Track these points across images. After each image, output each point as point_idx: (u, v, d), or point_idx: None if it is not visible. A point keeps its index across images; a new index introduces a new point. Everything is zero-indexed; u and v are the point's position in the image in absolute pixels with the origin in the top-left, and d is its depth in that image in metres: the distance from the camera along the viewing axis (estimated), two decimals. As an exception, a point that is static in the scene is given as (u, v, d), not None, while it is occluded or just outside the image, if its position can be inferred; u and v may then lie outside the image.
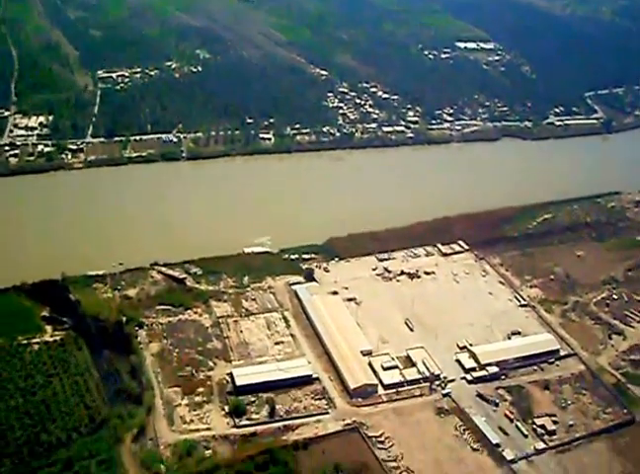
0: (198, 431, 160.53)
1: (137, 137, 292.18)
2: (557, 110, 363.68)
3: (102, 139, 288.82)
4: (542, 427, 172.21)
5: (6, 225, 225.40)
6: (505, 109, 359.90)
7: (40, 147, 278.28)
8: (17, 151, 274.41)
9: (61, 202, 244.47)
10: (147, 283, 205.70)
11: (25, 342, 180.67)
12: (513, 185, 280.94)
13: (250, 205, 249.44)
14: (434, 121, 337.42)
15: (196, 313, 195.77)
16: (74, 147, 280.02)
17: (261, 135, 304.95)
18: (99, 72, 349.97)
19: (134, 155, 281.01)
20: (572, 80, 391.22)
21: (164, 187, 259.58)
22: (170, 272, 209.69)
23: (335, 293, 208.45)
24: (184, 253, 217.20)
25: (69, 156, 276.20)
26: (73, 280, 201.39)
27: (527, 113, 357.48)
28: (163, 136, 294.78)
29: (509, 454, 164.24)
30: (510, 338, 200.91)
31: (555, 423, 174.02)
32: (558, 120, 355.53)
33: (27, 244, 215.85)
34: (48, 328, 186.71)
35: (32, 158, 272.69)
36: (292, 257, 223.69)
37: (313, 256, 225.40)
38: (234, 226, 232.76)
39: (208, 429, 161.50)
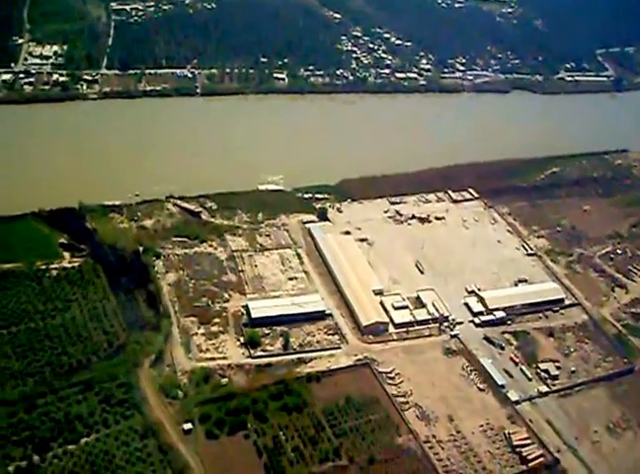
0: (214, 359, 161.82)
1: (152, 71, 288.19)
2: (568, 65, 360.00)
3: (116, 71, 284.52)
4: (546, 371, 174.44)
5: (21, 153, 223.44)
6: (516, 61, 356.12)
7: (54, 76, 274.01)
8: (31, 79, 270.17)
9: (77, 132, 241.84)
10: (163, 215, 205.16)
11: (43, 267, 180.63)
12: (522, 137, 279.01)
13: (263, 144, 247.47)
14: (446, 70, 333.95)
15: (211, 246, 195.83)
16: (89, 78, 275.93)
17: (274, 75, 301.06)
18: (112, 4, 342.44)
19: (149, 89, 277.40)
20: (584, 36, 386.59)
21: (178, 121, 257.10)
22: (185, 205, 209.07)
23: (347, 233, 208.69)
24: (199, 187, 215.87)
25: (84, 87, 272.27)
26: (90, 209, 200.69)
27: (538, 67, 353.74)
28: (177, 71, 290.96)
29: (513, 395, 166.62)
30: (516, 285, 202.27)
31: (558, 368, 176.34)
32: (569, 76, 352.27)
33: (43, 172, 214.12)
34: (66, 255, 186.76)
35: (46, 87, 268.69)
36: (305, 196, 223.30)
37: (326, 196, 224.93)
38: (248, 163, 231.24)
39: (224, 358, 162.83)
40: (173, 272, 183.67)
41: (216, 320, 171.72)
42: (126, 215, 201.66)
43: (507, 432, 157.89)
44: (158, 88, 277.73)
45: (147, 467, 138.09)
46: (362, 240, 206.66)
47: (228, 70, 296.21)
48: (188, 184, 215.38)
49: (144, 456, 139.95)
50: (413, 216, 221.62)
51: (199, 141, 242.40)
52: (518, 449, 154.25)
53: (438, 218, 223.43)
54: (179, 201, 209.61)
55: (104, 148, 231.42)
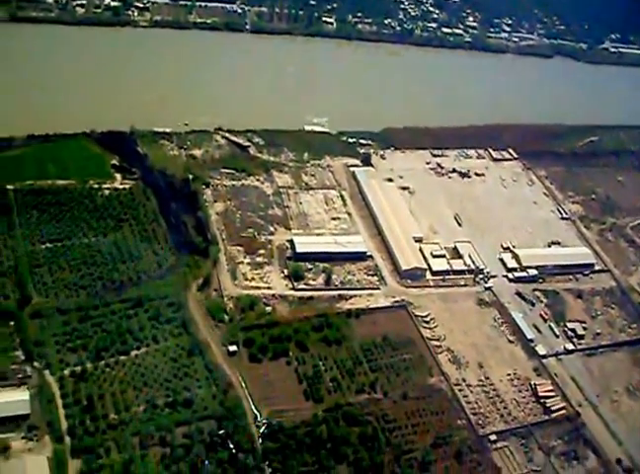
0: (259, 288, 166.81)
1: (202, 3, 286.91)
2: (613, 36, 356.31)
3: (167, 1, 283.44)
4: (573, 330, 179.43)
5: (73, 73, 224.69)
6: (562, 27, 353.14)
7: (106, 0, 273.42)
8: (84, 2, 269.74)
9: (128, 58, 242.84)
10: (211, 146, 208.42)
11: (96, 186, 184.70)
12: (562, 103, 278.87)
13: (309, 86, 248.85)
14: (492, 29, 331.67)
15: (258, 180, 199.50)
16: (140, 5, 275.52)
17: (323, 19, 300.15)
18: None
19: (199, 21, 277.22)
20: (632, 8, 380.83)
21: (227, 56, 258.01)
22: (233, 138, 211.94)
23: (390, 180, 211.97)
24: (246, 122, 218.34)
25: (135, 13, 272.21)
26: (141, 134, 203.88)
27: (583, 34, 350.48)
28: (227, 6, 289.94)
29: (541, 350, 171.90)
30: (549, 246, 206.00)
31: (584, 329, 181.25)
32: (613, 47, 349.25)
33: (95, 94, 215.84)
34: (118, 176, 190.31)
35: (98, 10, 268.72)
36: (350, 140, 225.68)
37: (369, 142, 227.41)
38: (294, 103, 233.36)
39: (269, 288, 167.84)
40: (221, 201, 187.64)
41: (261, 251, 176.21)
42: (176, 143, 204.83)
43: (532, 382, 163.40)
44: (208, 21, 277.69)
45: (194, 383, 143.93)
46: (404, 188, 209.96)
47: (277, 10, 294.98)
48: (235, 118, 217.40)
49: (191, 372, 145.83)
50: (453, 170, 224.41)
51: (247, 77, 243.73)
52: (542, 400, 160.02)
53: (477, 174, 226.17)
54: (227, 134, 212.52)
55: (154, 76, 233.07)
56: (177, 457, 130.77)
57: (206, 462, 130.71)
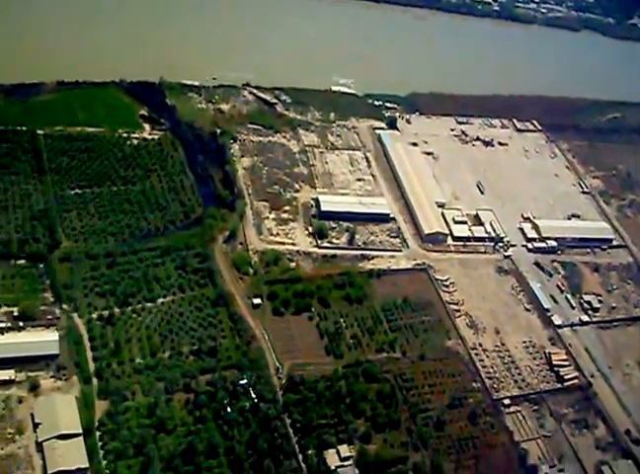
0: (283, 244, 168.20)
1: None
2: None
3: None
4: (588, 303, 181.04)
5: (104, 22, 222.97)
6: (590, 0, 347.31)
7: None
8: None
9: (159, 10, 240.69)
10: (239, 102, 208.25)
11: (125, 135, 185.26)
12: (587, 77, 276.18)
13: (336, 47, 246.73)
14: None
15: (284, 138, 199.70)
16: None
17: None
18: None
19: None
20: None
21: (255, 14, 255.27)
22: (261, 94, 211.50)
23: (414, 145, 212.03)
24: (273, 79, 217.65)
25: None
26: (169, 86, 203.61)
27: (612, 9, 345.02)
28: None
29: (557, 320, 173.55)
30: (569, 219, 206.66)
31: (600, 302, 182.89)
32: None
33: (125, 44, 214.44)
34: (147, 126, 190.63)
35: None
36: (376, 103, 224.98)
37: (395, 106, 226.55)
38: (321, 63, 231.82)
39: (293, 244, 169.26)
40: (248, 157, 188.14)
41: (287, 208, 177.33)
42: (204, 97, 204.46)
43: (547, 351, 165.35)
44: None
45: (218, 333, 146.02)
46: (428, 153, 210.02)
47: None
48: (263, 75, 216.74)
49: (216, 322, 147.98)
50: (477, 138, 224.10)
51: (275, 36, 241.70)
52: (555, 368, 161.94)
53: (501, 144, 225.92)
54: (255, 90, 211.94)
55: (183, 30, 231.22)
56: (201, 403, 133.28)
57: (229, 410, 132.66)
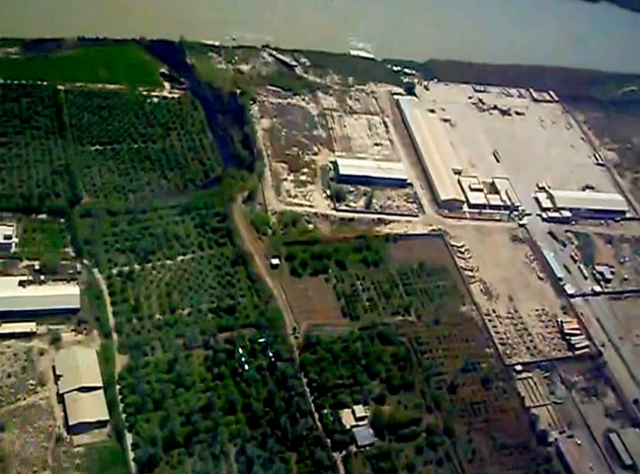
0: (301, 205, 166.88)
1: None
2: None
3: None
4: (601, 274, 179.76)
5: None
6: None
7: None
8: None
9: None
10: (258, 63, 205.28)
11: (145, 93, 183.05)
12: (604, 49, 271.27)
13: (355, 10, 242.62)
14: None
15: (303, 100, 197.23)
16: None
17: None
18: None
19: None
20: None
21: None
22: (280, 56, 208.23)
23: (432, 111, 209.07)
24: (293, 42, 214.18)
25: None
26: (189, 46, 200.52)
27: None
28: None
29: (569, 289, 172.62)
30: (583, 190, 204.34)
31: (612, 273, 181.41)
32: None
33: (146, 1, 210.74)
34: (167, 85, 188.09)
35: None
36: (395, 69, 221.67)
37: (413, 72, 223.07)
38: (340, 27, 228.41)
39: (311, 206, 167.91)
40: (267, 118, 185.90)
41: (305, 170, 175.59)
42: (224, 57, 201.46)
43: (559, 320, 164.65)
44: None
45: (237, 291, 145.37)
46: (445, 120, 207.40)
47: None
48: (282, 37, 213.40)
49: (234, 281, 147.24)
50: (495, 107, 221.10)
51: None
52: (567, 337, 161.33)
53: (517, 113, 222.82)
54: (274, 52, 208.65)
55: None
56: (219, 361, 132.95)
57: (247, 367, 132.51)
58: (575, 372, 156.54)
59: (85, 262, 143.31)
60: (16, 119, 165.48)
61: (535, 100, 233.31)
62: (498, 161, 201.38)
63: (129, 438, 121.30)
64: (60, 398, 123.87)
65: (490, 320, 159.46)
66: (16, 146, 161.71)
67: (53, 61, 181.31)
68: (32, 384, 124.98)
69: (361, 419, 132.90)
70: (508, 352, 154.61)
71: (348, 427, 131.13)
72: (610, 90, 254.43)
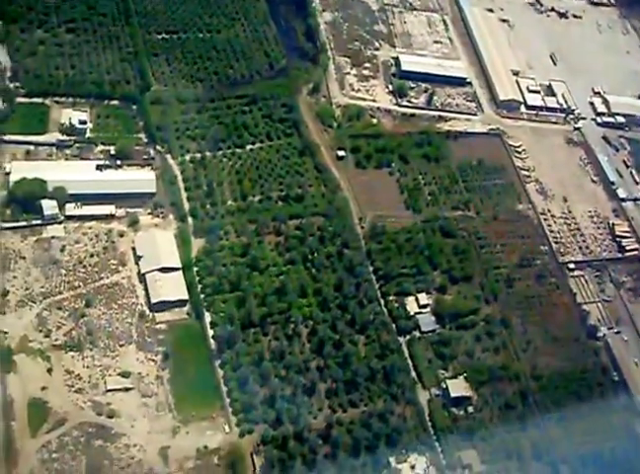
0: (364, 100, 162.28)
1: None
2: None
3: None
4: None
5: None
6: None
7: None
8: None
9: None
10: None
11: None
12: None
13: None
14: None
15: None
16: None
17: None
18: None
19: None
20: None
21: None
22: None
23: (490, 11, 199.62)
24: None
25: None
26: None
27: None
28: None
29: (621, 193, 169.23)
30: (639, 98, 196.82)
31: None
32: None
33: None
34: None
35: None
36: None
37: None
38: None
39: (374, 100, 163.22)
40: (328, 11, 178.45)
41: (367, 65, 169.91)
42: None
43: (611, 222, 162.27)
44: None
45: (305, 181, 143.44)
46: (504, 21, 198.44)
47: None
48: None
49: (302, 171, 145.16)
50: (552, 9, 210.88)
51: None
52: (618, 239, 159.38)
53: (575, 16, 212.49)
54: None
55: None
56: (290, 247, 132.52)
57: (316, 254, 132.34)
58: (624, 273, 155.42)
59: (158, 148, 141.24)
60: (82, 5, 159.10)
61: (593, 3, 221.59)
62: (555, 64, 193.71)
63: (207, 317, 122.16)
64: (142, 277, 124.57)
65: (545, 219, 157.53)
66: (84, 33, 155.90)
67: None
68: (113, 264, 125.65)
69: (424, 306, 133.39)
70: (561, 250, 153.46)
71: (412, 313, 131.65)
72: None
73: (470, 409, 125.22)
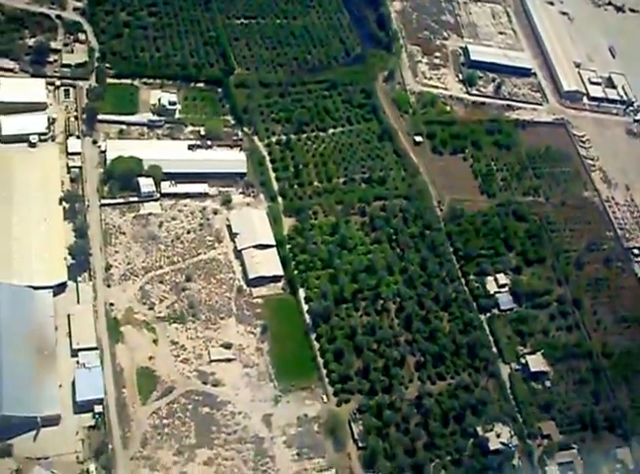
0: (437, 87, 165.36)
1: None
2: None
3: None
4: None
5: None
6: None
7: None
8: None
9: None
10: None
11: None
12: None
13: None
14: None
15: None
16: None
17: None
18: None
19: None
20: None
21: None
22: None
23: (551, 4, 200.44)
24: None
25: None
26: None
27: None
28: None
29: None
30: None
31: None
32: None
33: None
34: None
35: None
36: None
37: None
38: None
39: (445, 89, 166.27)
40: (398, 0, 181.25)
41: (437, 54, 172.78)
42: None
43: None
44: None
45: (385, 166, 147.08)
46: (564, 13, 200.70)
47: None
48: None
49: (382, 155, 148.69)
50: (609, 2, 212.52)
51: None
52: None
53: (632, 10, 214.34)
54: None
55: None
56: (375, 227, 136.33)
57: (400, 234, 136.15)
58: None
59: (245, 130, 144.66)
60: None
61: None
62: (614, 57, 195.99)
63: (302, 293, 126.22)
64: (238, 254, 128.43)
65: (609, 206, 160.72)
66: (165, 16, 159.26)
67: None
68: (210, 240, 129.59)
69: (503, 286, 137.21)
70: (626, 236, 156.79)
71: (491, 292, 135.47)
72: None
73: (548, 383, 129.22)
